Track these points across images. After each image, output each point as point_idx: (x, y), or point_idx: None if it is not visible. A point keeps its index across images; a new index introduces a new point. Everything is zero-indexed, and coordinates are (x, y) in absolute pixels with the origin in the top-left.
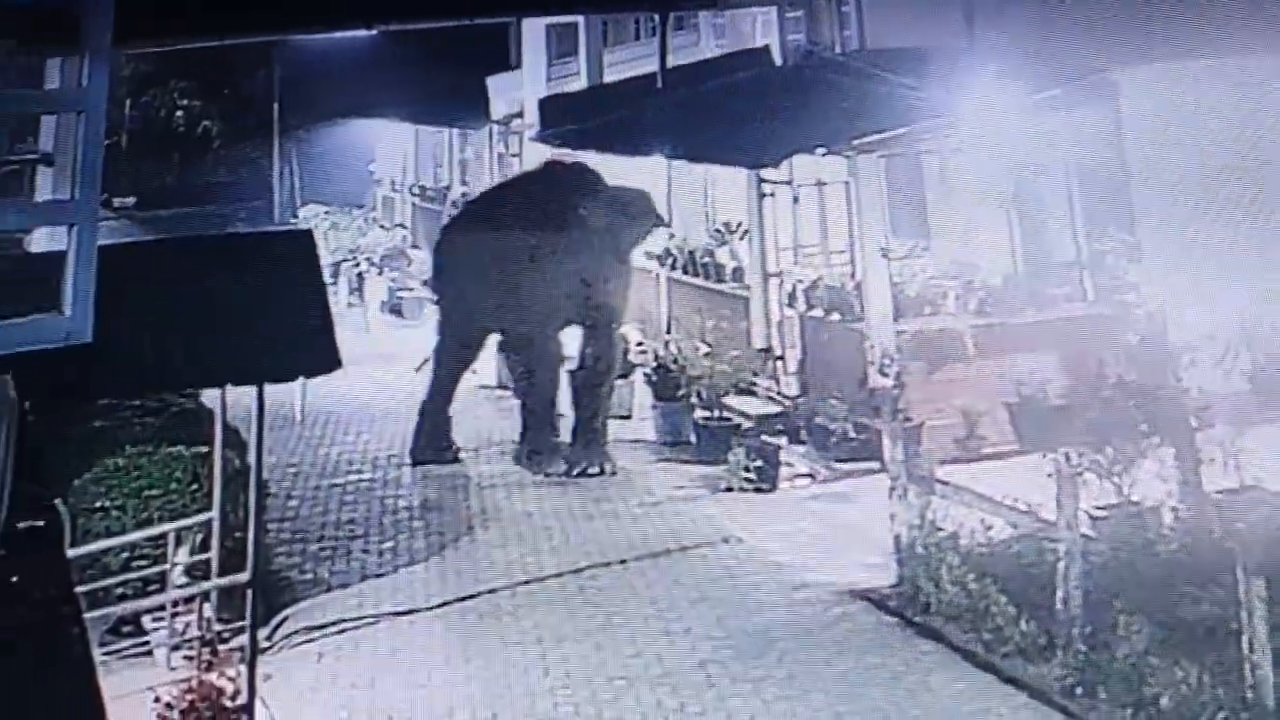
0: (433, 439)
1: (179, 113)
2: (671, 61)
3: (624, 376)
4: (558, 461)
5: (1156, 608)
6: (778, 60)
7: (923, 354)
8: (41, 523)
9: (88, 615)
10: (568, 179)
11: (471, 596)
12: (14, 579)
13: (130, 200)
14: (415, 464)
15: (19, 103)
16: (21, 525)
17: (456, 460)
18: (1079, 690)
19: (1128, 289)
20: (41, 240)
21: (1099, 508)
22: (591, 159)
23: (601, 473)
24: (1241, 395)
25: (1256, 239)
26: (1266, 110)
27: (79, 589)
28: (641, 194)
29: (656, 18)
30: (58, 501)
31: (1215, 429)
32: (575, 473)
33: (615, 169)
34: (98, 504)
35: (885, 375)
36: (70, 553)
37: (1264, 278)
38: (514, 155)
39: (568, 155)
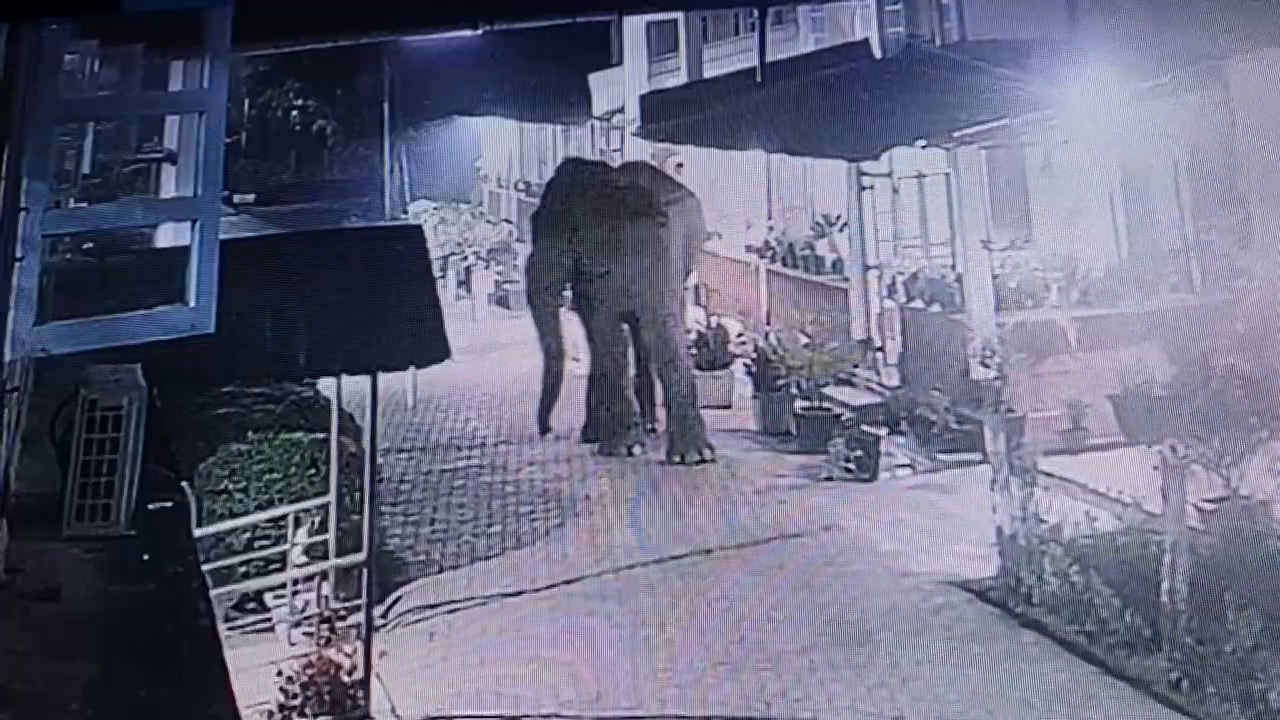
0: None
1: (295, 112)
2: (770, 56)
3: (724, 367)
4: (625, 442)
5: (1266, 601)
6: (877, 53)
7: (1025, 346)
8: (170, 504)
9: (213, 592)
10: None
11: (577, 580)
12: (145, 557)
13: (250, 197)
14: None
15: (145, 104)
16: (151, 507)
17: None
18: (1185, 684)
19: (1237, 276)
20: (167, 235)
21: (1206, 501)
22: (690, 154)
23: (701, 460)
24: None
25: None
26: None
27: (205, 567)
28: (692, 198)
29: (755, 13)
30: (184, 484)
31: None
32: (675, 459)
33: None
34: (222, 487)
35: (987, 367)
36: (196, 533)
37: None
38: (615, 150)
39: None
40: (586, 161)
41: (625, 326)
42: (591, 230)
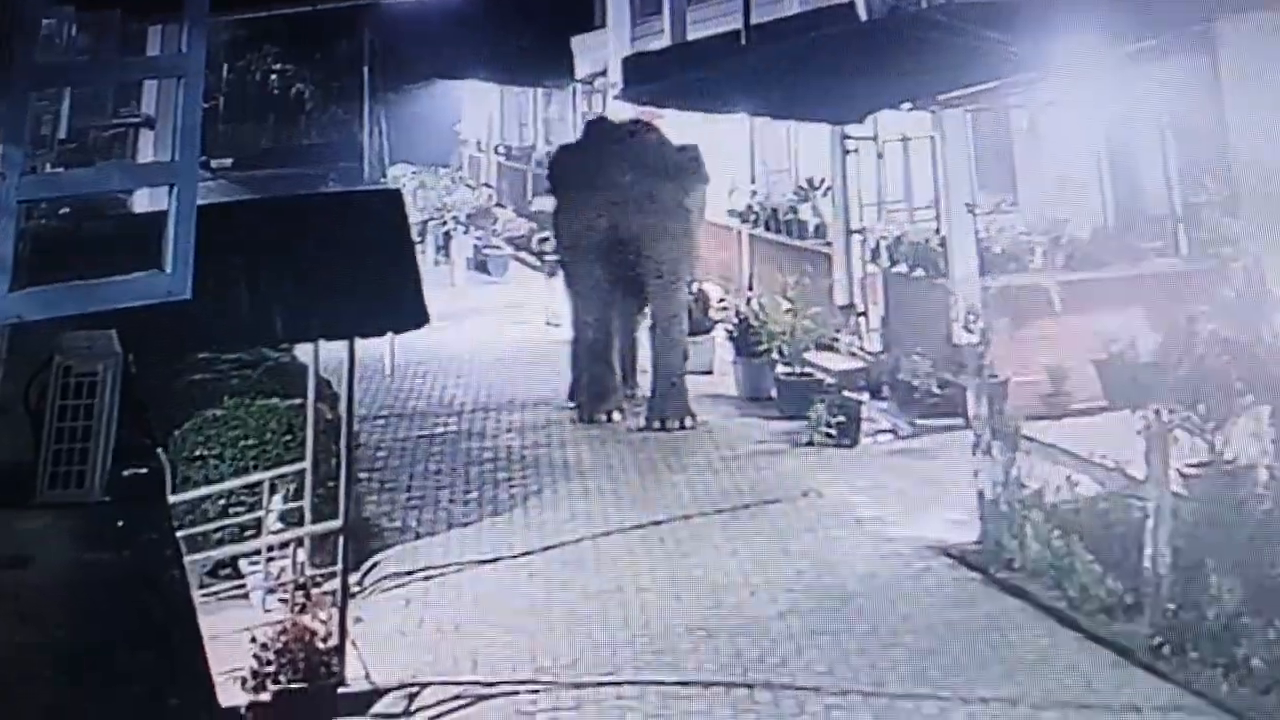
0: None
1: (273, 77)
2: (755, 18)
3: (705, 332)
4: (607, 404)
5: (1249, 567)
6: (862, 15)
7: (1008, 310)
8: (145, 470)
9: (188, 559)
10: (620, 138)
11: (554, 546)
12: (120, 523)
13: (228, 161)
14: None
15: (123, 70)
16: (126, 473)
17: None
18: (1167, 649)
19: (1224, 242)
20: (144, 201)
21: (1190, 466)
22: (676, 119)
23: (682, 426)
24: None
25: None
26: None
27: (180, 534)
28: (689, 150)
29: None
30: (160, 450)
31: None
32: (655, 425)
33: (699, 126)
34: (197, 453)
35: (970, 331)
36: (171, 499)
37: None
38: (598, 114)
39: (653, 116)
40: (613, 121)
41: (619, 289)
42: (628, 190)
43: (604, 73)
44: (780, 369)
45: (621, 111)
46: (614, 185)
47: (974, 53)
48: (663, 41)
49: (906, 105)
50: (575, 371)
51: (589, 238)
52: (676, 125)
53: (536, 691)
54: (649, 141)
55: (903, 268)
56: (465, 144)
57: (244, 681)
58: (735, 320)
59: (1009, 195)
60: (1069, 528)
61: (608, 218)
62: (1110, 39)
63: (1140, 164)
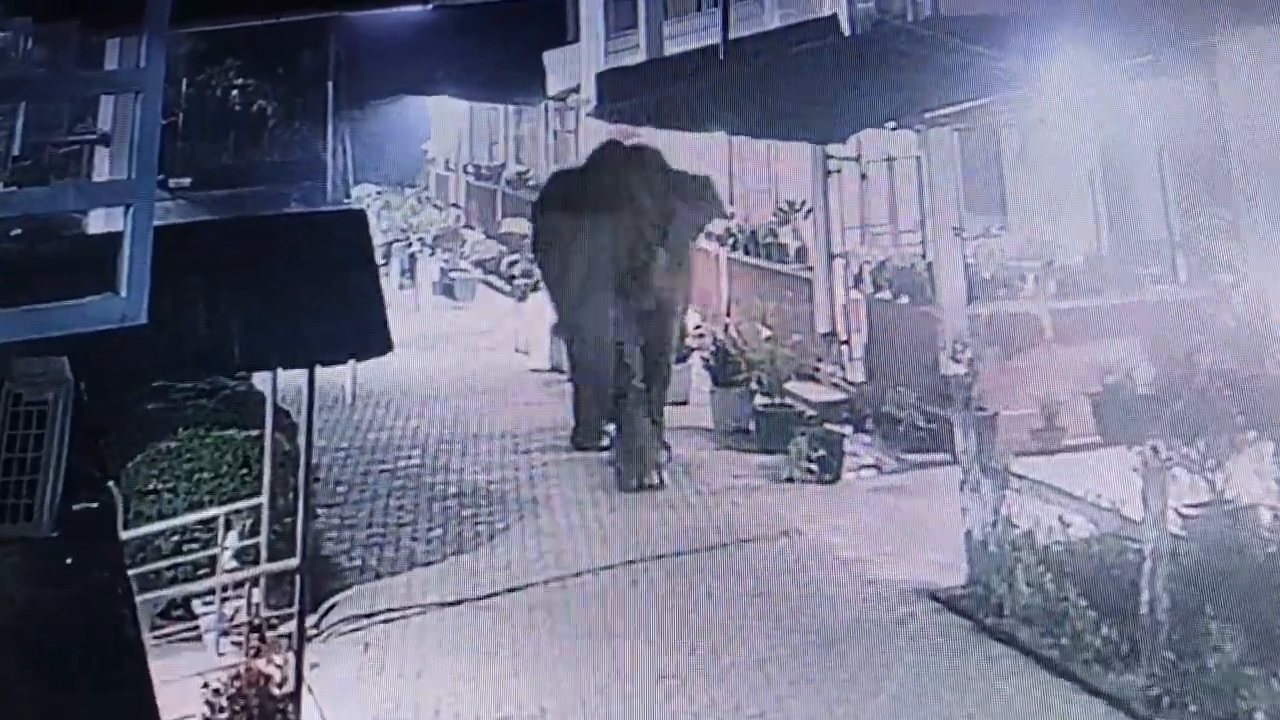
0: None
1: (235, 92)
2: (734, 33)
3: (681, 360)
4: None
5: (1252, 614)
6: (846, 30)
7: (998, 339)
8: (95, 504)
9: (139, 598)
10: (628, 162)
11: (521, 588)
12: (69, 560)
13: (186, 181)
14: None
15: (79, 84)
16: (76, 506)
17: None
18: (1165, 702)
19: (1224, 269)
20: (99, 221)
21: (1189, 506)
22: (652, 138)
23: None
24: None
25: None
26: None
27: (131, 572)
28: (705, 180)
29: None
30: (111, 484)
31: None
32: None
33: (676, 145)
34: (150, 487)
35: (957, 361)
36: (123, 535)
37: None
38: (570, 132)
39: (629, 135)
40: (624, 145)
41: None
42: (638, 219)
43: (577, 89)
44: (759, 400)
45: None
46: (622, 214)
47: (962, 69)
48: (638, 57)
49: (891, 124)
50: (582, 415)
51: (588, 268)
52: (653, 143)
53: None
54: (661, 169)
55: (887, 294)
56: (433, 163)
57: None
58: (712, 348)
59: (998, 218)
60: (1062, 571)
61: (611, 248)
62: (1105, 55)
63: (1136, 186)
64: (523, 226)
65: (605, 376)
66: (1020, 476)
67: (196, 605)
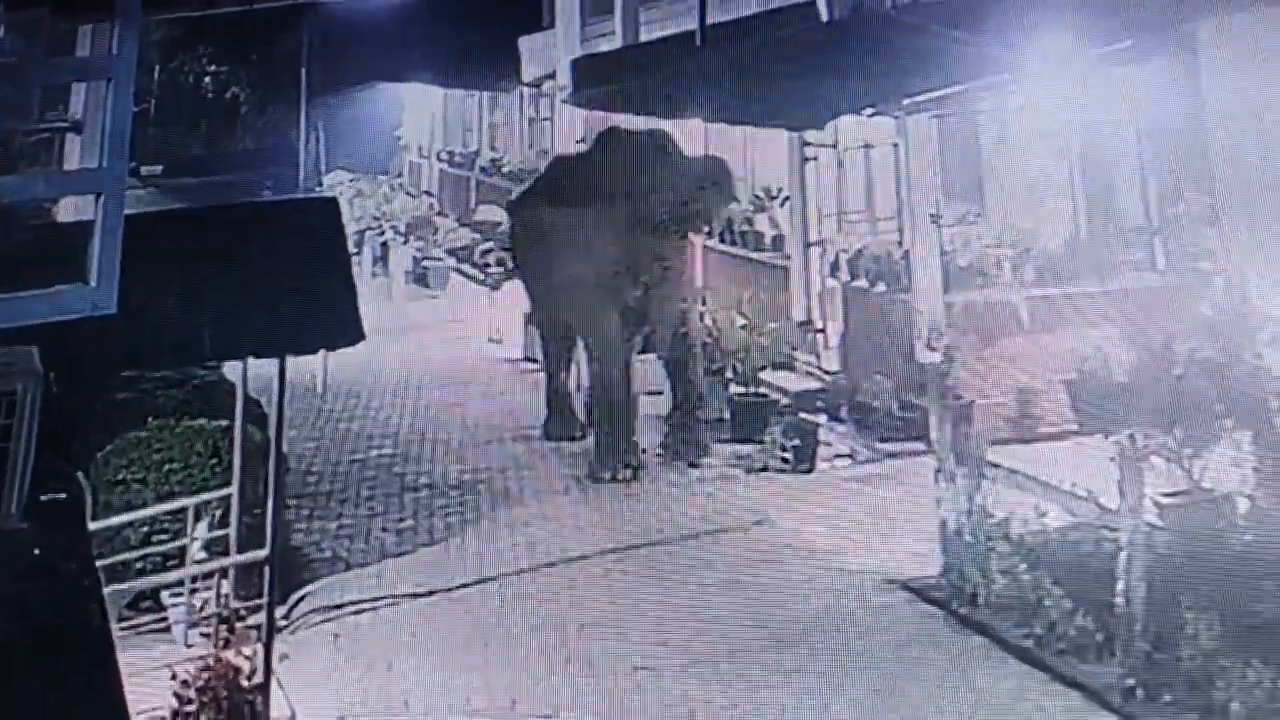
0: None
1: (207, 79)
2: (711, 18)
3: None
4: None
5: (1228, 604)
6: (824, 15)
7: (974, 327)
8: (64, 495)
9: (107, 589)
10: (637, 148)
11: (492, 579)
12: (36, 551)
13: (158, 168)
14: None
15: (50, 71)
16: (45, 498)
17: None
18: (1140, 692)
19: (1204, 256)
20: (69, 210)
21: (1166, 494)
22: (629, 124)
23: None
24: None
25: None
26: None
27: (99, 563)
28: (719, 163)
29: None
30: (80, 474)
31: None
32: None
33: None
34: (119, 477)
35: (933, 350)
36: (91, 526)
37: None
38: (545, 119)
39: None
40: (629, 131)
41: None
42: (647, 209)
43: (553, 75)
44: (734, 389)
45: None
46: (633, 203)
47: (941, 55)
48: (614, 43)
49: (869, 110)
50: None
51: (592, 261)
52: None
53: None
54: (673, 155)
55: (863, 282)
56: (406, 150)
57: None
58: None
59: (976, 205)
60: (1037, 561)
61: (620, 239)
62: (1085, 40)
63: (1115, 173)
64: (496, 214)
65: (616, 385)
66: (996, 465)
67: (165, 596)
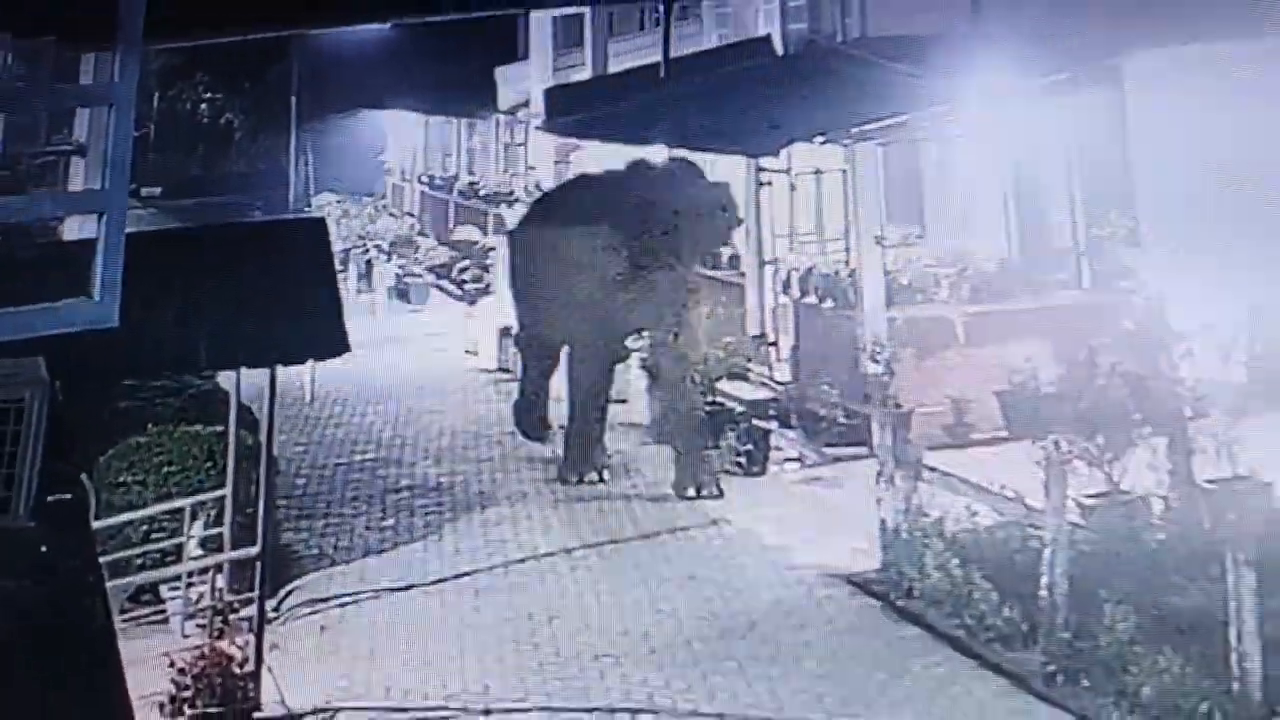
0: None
1: (203, 106)
2: (675, 52)
3: (621, 361)
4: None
5: (1143, 597)
6: (779, 49)
7: (914, 341)
8: (69, 497)
9: (109, 584)
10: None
11: (467, 574)
12: (43, 549)
13: (157, 190)
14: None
15: (54, 97)
16: (51, 499)
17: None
18: (1060, 678)
19: (1126, 275)
20: (73, 228)
21: (1088, 496)
22: (597, 150)
23: (718, 495)
24: (1238, 385)
25: (1259, 228)
26: (1272, 96)
27: (102, 559)
28: (724, 188)
29: (661, 8)
30: (84, 477)
31: (1210, 419)
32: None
33: (619, 158)
34: (120, 479)
35: (876, 362)
36: (94, 525)
37: (1265, 267)
38: (519, 144)
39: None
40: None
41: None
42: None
43: (527, 104)
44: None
45: (543, 142)
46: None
47: (887, 87)
48: (584, 73)
49: (820, 138)
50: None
51: (597, 287)
52: (597, 156)
53: (447, 718)
54: (689, 182)
55: (813, 298)
56: (389, 173)
57: (162, 706)
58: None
59: (917, 228)
60: (968, 556)
61: (630, 267)
62: (1020, 73)
63: (1046, 197)
64: (474, 234)
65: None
66: (932, 469)
67: (163, 590)
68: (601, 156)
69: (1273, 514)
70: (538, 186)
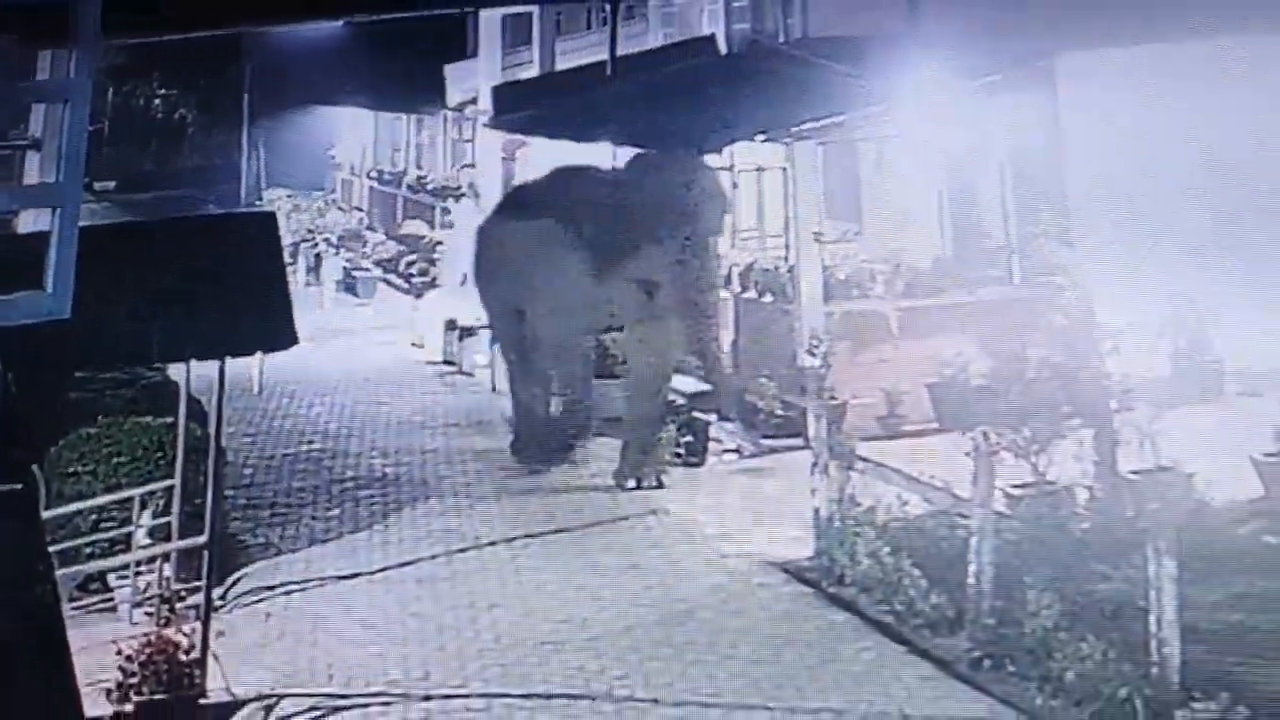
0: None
1: (157, 102)
2: (621, 50)
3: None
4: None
5: (1066, 585)
6: (723, 49)
7: (849, 335)
8: (20, 486)
9: (59, 572)
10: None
11: (411, 563)
12: None
13: (110, 184)
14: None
15: (12, 93)
16: (1, 488)
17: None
18: (986, 663)
19: (1056, 271)
20: (28, 221)
21: (1015, 486)
22: (544, 147)
23: (658, 485)
24: (1163, 379)
25: (1186, 226)
26: (1201, 96)
27: (52, 548)
28: (711, 175)
29: (607, 7)
30: (35, 467)
31: (1135, 411)
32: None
33: (565, 154)
34: (70, 469)
35: (813, 355)
36: (44, 514)
37: (1191, 265)
38: (467, 140)
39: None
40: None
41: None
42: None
43: (475, 100)
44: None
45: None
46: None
47: (826, 86)
48: (532, 71)
49: (761, 136)
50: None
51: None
52: (543, 151)
53: (389, 704)
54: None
55: (753, 293)
56: (339, 168)
57: (109, 693)
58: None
59: (855, 224)
60: (898, 545)
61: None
62: (956, 74)
63: (980, 195)
64: (421, 229)
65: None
66: (864, 459)
67: (112, 579)
68: (548, 152)
69: (1194, 504)
70: (471, 185)
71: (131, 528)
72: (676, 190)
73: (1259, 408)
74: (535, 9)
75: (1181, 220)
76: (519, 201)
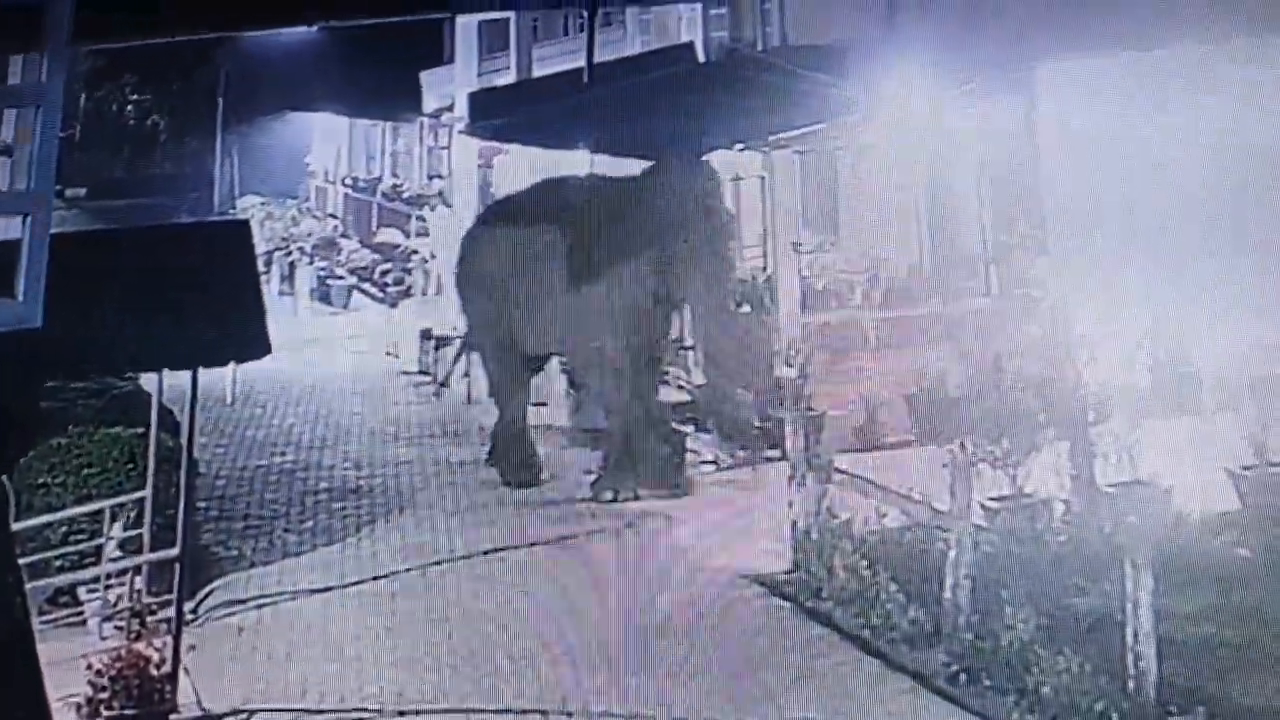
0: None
1: (129, 107)
2: (599, 57)
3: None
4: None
5: (1043, 598)
6: (701, 57)
7: (827, 345)
8: None
9: (28, 585)
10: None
11: (385, 576)
12: None
13: (82, 191)
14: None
15: None
16: None
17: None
18: (963, 677)
19: (1032, 282)
20: None
21: (992, 499)
22: (520, 154)
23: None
24: (1140, 391)
25: (1164, 238)
26: (1180, 104)
27: (21, 561)
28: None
29: (585, 14)
30: (3, 478)
31: (1112, 423)
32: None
33: (541, 162)
34: (40, 481)
35: (790, 366)
36: (13, 526)
37: (1168, 276)
38: (443, 148)
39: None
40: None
41: None
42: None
43: (451, 107)
44: None
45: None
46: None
47: (804, 95)
48: (509, 78)
49: (739, 145)
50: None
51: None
52: (520, 159)
53: (362, 718)
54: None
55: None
56: (313, 175)
57: (79, 708)
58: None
59: (832, 234)
60: (875, 558)
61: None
62: (934, 82)
63: (957, 205)
64: (396, 237)
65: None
66: (842, 471)
67: (82, 592)
68: (524, 160)
69: (1170, 518)
70: (440, 195)
71: (102, 540)
72: (699, 195)
73: (1236, 420)
74: (512, 15)
75: (1160, 230)
76: (522, 210)
